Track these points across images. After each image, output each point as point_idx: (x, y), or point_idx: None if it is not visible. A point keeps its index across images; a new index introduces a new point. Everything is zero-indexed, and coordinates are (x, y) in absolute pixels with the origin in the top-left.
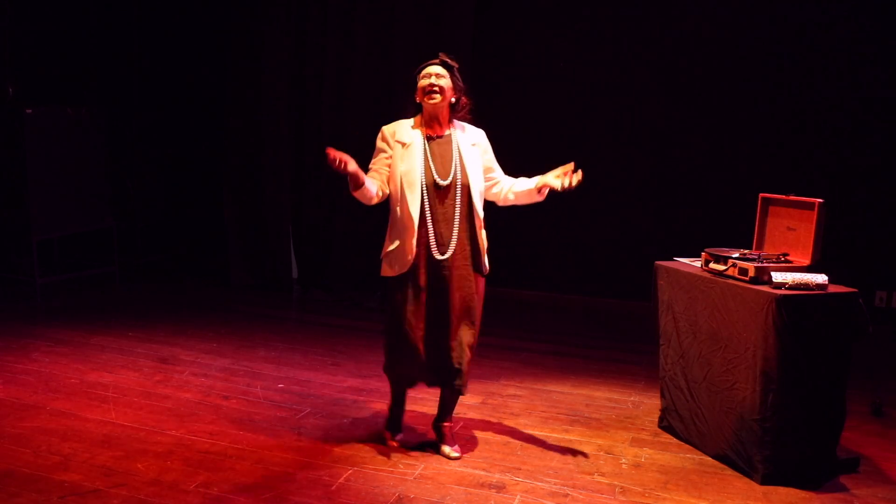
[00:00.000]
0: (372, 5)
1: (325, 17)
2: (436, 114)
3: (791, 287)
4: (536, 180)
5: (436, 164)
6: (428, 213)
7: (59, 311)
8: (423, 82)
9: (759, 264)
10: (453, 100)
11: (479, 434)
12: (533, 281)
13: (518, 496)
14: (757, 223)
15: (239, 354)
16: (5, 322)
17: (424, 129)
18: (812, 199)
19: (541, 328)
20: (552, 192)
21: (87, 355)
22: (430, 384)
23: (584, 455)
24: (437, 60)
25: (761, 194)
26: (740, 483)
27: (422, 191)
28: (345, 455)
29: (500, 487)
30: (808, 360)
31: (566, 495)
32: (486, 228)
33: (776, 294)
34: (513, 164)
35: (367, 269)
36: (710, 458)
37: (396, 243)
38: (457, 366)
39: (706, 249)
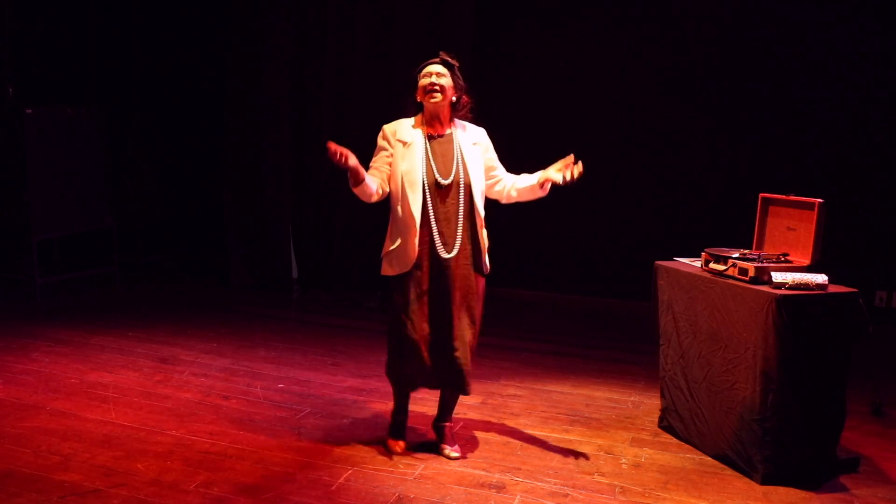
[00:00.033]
0: (372, 5)
1: (325, 17)
2: (437, 113)
3: (791, 287)
4: (538, 175)
5: (437, 164)
6: (431, 213)
7: (59, 311)
8: (423, 81)
9: (759, 264)
10: (454, 99)
11: (479, 434)
12: (533, 281)
13: (518, 496)
14: (757, 223)
15: (239, 354)
16: (5, 322)
17: (425, 128)
18: (812, 199)
19: (541, 328)
20: (554, 187)
21: (87, 355)
22: (433, 387)
23: (584, 455)
24: (437, 59)
25: (761, 194)
26: (740, 483)
27: (423, 190)
28: (345, 455)
29: (500, 487)
30: (808, 360)
31: (566, 495)
32: (486, 228)
33: (776, 294)
34: (513, 164)
35: (367, 269)
36: (710, 458)
37: (397, 242)
38: (461, 367)
39: (706, 249)
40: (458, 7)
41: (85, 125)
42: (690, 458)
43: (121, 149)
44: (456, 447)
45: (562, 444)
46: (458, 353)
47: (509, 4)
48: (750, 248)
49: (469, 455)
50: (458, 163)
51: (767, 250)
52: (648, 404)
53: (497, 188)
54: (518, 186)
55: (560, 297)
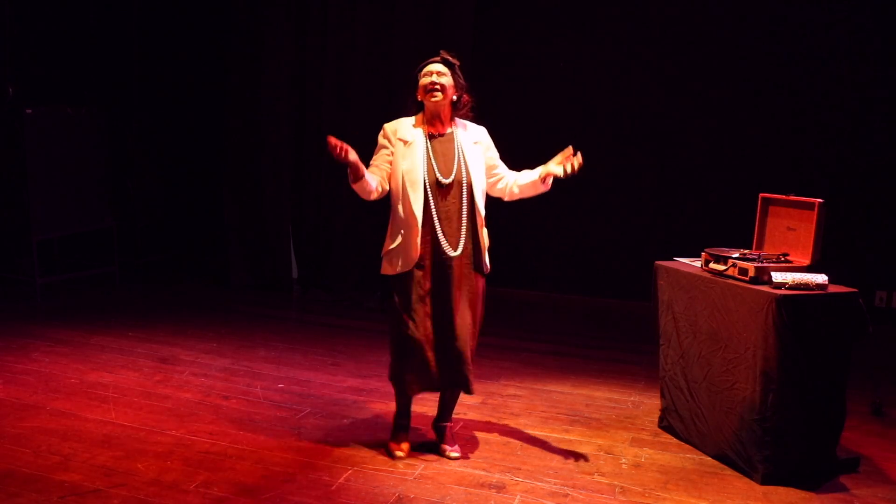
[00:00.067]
0: (372, 5)
1: (325, 17)
2: (437, 112)
3: (791, 287)
4: (539, 170)
5: (438, 163)
6: (434, 211)
7: (59, 311)
8: (424, 80)
9: (759, 264)
10: (455, 98)
11: (479, 434)
12: (533, 281)
13: (518, 496)
14: (757, 223)
15: (239, 354)
16: (5, 322)
17: (426, 127)
18: (812, 199)
19: (541, 328)
20: (556, 181)
21: (87, 355)
22: (436, 390)
23: (584, 455)
24: (438, 58)
25: (761, 194)
26: (740, 483)
27: (425, 189)
28: (345, 455)
29: (500, 487)
30: (808, 360)
31: (566, 495)
32: (486, 227)
33: (776, 294)
34: (513, 164)
35: (367, 269)
36: (710, 458)
37: (398, 241)
38: (464, 366)
39: (706, 249)
40: (458, 7)
41: (85, 125)
42: (690, 458)
43: (121, 149)
44: (456, 447)
45: (562, 444)
46: (460, 353)
47: (509, 4)
48: (750, 248)
49: (469, 455)
50: (458, 162)
51: (767, 250)
52: (648, 404)
53: (500, 186)
54: (520, 183)
55: (560, 297)
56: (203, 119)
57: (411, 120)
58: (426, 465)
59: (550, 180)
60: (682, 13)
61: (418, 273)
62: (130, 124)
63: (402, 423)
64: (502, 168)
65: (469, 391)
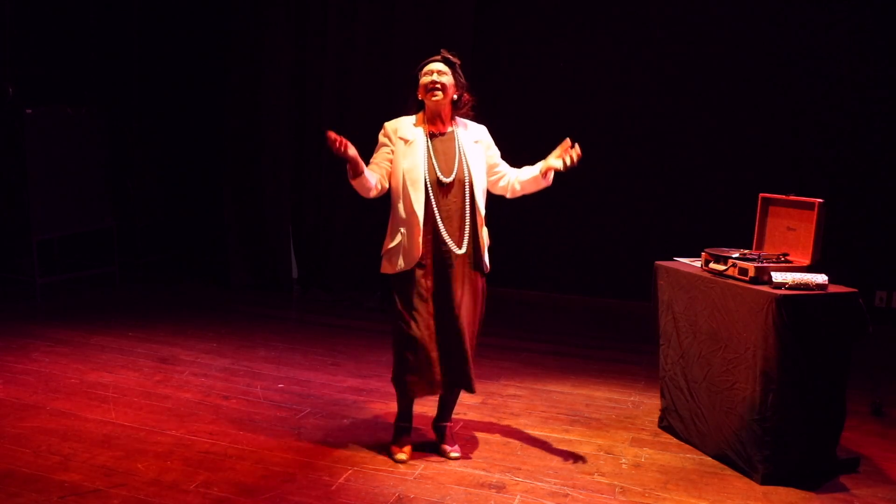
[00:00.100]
0: (372, 5)
1: (325, 17)
2: (438, 111)
3: (791, 287)
4: (539, 165)
5: (439, 162)
6: (435, 210)
7: (59, 311)
8: (424, 79)
9: (759, 264)
10: (455, 97)
11: (479, 434)
12: (533, 281)
13: (518, 496)
14: (757, 223)
15: (239, 354)
16: (5, 322)
17: (427, 126)
18: (812, 199)
19: (541, 328)
20: (557, 175)
21: (87, 355)
22: (437, 394)
23: (584, 455)
24: (438, 57)
25: (761, 194)
26: (740, 483)
27: (426, 188)
28: (345, 455)
29: (500, 487)
30: (808, 360)
31: (566, 495)
32: (486, 227)
33: (776, 294)
34: (512, 164)
35: (367, 269)
36: (710, 458)
37: (398, 240)
38: (466, 366)
39: (706, 249)
40: (458, 7)
41: (85, 125)
42: (690, 458)
43: (121, 149)
44: (456, 447)
45: (562, 444)
46: (463, 352)
47: (509, 4)
48: (750, 248)
49: (469, 455)
50: (459, 160)
51: (767, 250)
52: (648, 404)
53: (501, 183)
54: (521, 179)
55: (560, 297)
56: (203, 119)
57: (412, 119)
58: (426, 465)
59: (551, 174)
60: (682, 13)
61: (419, 272)
62: (130, 124)
63: (403, 426)
64: (503, 166)
65: (471, 390)
